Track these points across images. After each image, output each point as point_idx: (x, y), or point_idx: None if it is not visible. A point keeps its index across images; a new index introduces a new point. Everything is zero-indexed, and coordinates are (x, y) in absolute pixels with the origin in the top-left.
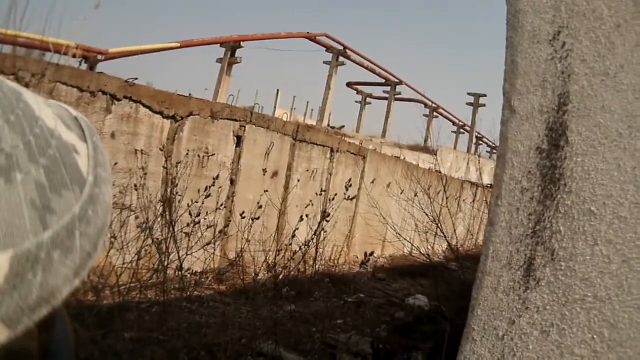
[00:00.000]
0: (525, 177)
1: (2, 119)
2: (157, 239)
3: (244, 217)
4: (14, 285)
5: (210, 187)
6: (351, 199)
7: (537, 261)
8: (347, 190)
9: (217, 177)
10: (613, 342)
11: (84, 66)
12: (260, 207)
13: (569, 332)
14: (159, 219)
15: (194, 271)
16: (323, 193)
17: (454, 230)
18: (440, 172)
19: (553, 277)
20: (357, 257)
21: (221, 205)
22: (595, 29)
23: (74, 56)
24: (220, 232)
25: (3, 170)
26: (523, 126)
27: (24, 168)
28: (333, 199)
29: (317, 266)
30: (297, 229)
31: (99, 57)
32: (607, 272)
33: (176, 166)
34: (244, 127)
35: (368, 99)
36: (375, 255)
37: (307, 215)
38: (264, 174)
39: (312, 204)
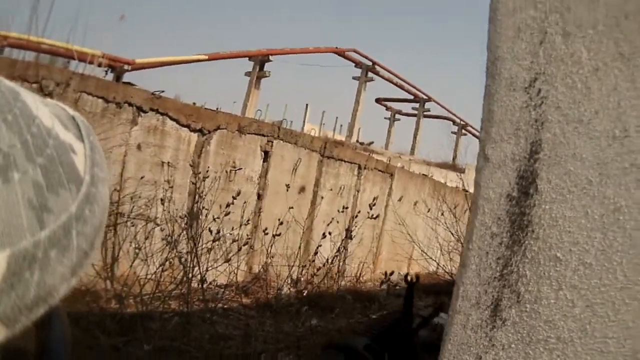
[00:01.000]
0: (495, 223)
1: (0, 119)
2: (181, 252)
3: (267, 234)
4: (11, 284)
5: (233, 200)
6: (375, 218)
7: (504, 302)
8: (370, 209)
9: (239, 193)
10: None
11: (109, 76)
12: (282, 223)
13: None
14: (183, 232)
15: (218, 284)
16: (347, 210)
17: None
18: (467, 191)
19: (518, 318)
20: (383, 275)
21: (247, 219)
22: (572, 74)
23: (99, 65)
24: (244, 245)
25: (0, 169)
26: (495, 174)
27: (21, 167)
28: (356, 216)
29: (341, 282)
30: (320, 245)
31: (126, 67)
32: (571, 316)
33: (203, 180)
34: (272, 142)
35: (397, 116)
36: (401, 273)
37: (329, 233)
38: (287, 190)
39: (337, 222)
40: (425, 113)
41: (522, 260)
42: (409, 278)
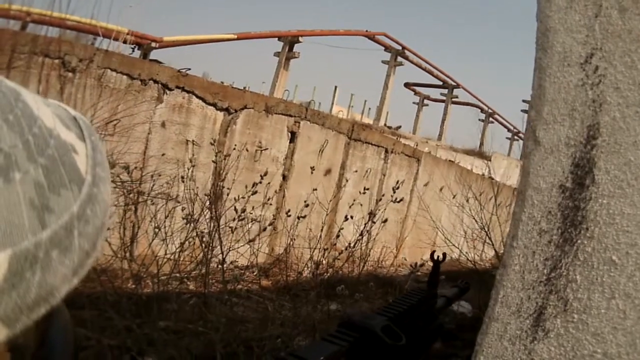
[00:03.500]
0: (545, 217)
1: (0, 119)
2: (202, 231)
3: (289, 216)
4: (12, 285)
5: (259, 183)
6: (399, 201)
7: (549, 311)
8: (394, 192)
9: (266, 173)
10: None
11: (136, 54)
12: (307, 205)
13: None
14: (205, 211)
15: (238, 265)
16: (372, 194)
17: (503, 238)
18: (492, 179)
19: (563, 329)
20: (406, 260)
21: (271, 201)
22: (631, 53)
23: (125, 42)
24: (269, 226)
25: (2, 169)
26: (547, 160)
27: (23, 167)
28: (380, 200)
29: (363, 267)
30: (342, 228)
31: (153, 44)
32: (621, 329)
33: (226, 158)
34: (299, 123)
35: (425, 101)
36: (424, 258)
37: (351, 217)
38: (311, 172)
39: (361, 205)
40: (453, 99)
41: (572, 263)
42: (435, 256)
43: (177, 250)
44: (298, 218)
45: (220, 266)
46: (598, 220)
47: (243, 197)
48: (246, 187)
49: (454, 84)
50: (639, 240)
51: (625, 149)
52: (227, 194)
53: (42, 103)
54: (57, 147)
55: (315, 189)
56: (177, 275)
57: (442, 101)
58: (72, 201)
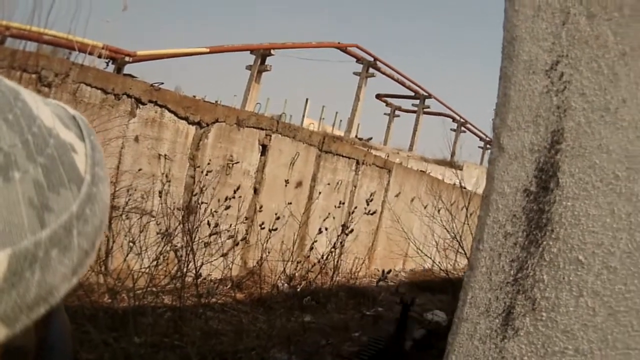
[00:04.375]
0: (509, 221)
1: (0, 118)
2: (177, 246)
3: (263, 228)
4: (12, 284)
5: (231, 198)
6: (372, 214)
7: (517, 310)
8: (367, 204)
9: (239, 187)
10: None
11: (110, 67)
12: (278, 218)
13: None
14: (179, 226)
15: (212, 278)
16: (343, 206)
17: None
18: (464, 188)
19: (533, 327)
20: (378, 271)
21: (243, 214)
22: (598, 59)
23: (99, 57)
24: (241, 240)
25: (1, 169)
26: (511, 166)
27: (22, 167)
28: (353, 212)
29: (336, 278)
30: (315, 241)
31: (127, 59)
32: (592, 325)
33: (204, 174)
34: (270, 136)
35: (397, 112)
36: (396, 269)
37: (326, 228)
38: (286, 185)
39: (334, 218)
40: (425, 110)
41: (539, 263)
42: (404, 300)
43: (152, 264)
44: (270, 231)
45: (195, 280)
46: (563, 222)
47: (216, 211)
48: (219, 200)
49: (426, 94)
50: (605, 240)
51: (590, 152)
52: (204, 209)
53: (41, 102)
54: (57, 146)
55: (290, 203)
56: (153, 289)
57: (414, 112)
58: (71, 200)
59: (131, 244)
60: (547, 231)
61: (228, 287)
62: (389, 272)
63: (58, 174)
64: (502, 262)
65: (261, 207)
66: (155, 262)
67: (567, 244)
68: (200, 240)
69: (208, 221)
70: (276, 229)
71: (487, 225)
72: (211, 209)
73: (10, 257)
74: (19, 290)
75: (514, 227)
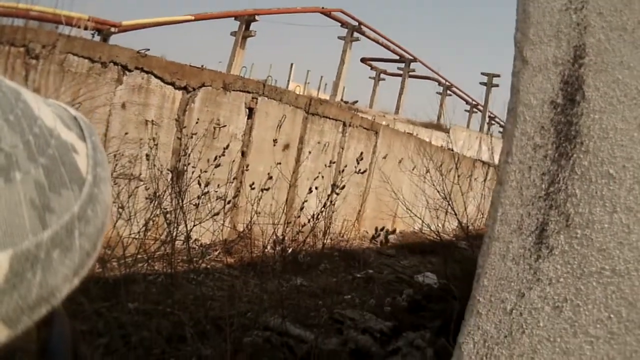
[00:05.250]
0: (538, 132)
1: (1, 119)
2: (166, 209)
3: (253, 189)
4: (13, 285)
5: (220, 157)
6: (362, 173)
7: (551, 227)
8: (357, 163)
9: (228, 147)
10: (631, 323)
11: (97, 39)
12: (271, 178)
13: (584, 309)
14: (168, 189)
15: (202, 243)
16: (334, 165)
17: (465, 208)
18: (452, 150)
19: (568, 245)
20: (368, 232)
21: (231, 177)
22: None
23: (86, 29)
24: (229, 203)
25: (2, 169)
26: (536, 78)
27: (24, 167)
28: (343, 171)
29: (326, 240)
30: (305, 201)
31: (112, 29)
32: (627, 243)
33: (190, 137)
34: (256, 99)
35: (382, 76)
36: (385, 230)
37: (316, 188)
38: (273, 145)
39: (323, 177)
40: (410, 73)
41: (570, 177)
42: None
43: (142, 230)
44: (262, 190)
45: (185, 244)
46: (592, 135)
47: (205, 171)
48: (208, 161)
49: (411, 57)
50: (634, 154)
51: (613, 68)
52: (192, 172)
53: (42, 103)
54: (58, 147)
55: (279, 163)
56: (143, 256)
57: (399, 75)
58: (72, 201)
59: (120, 210)
60: (576, 144)
61: (218, 251)
62: (382, 229)
63: (59, 174)
64: (533, 176)
65: (248, 166)
66: (144, 228)
67: (598, 157)
68: (190, 203)
69: (198, 181)
70: (268, 189)
71: (515, 138)
72: (200, 170)
73: (11, 258)
74: (20, 291)
75: (543, 139)
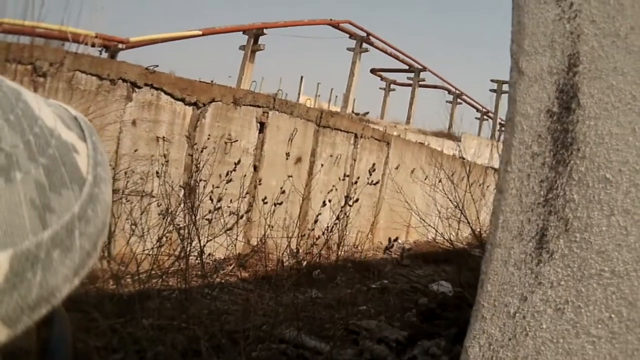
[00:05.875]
0: (535, 141)
1: (1, 119)
2: (179, 225)
3: (266, 203)
4: (13, 285)
5: (232, 171)
6: (375, 184)
7: (550, 232)
8: (370, 174)
9: (239, 162)
10: (632, 322)
11: (104, 55)
12: (283, 192)
13: (585, 310)
14: (181, 205)
15: (216, 258)
16: (347, 178)
17: (478, 216)
18: (463, 159)
19: (567, 249)
20: (382, 243)
21: (244, 191)
22: None
23: (93, 45)
24: (242, 217)
25: (3, 169)
26: (532, 88)
27: (24, 167)
28: (356, 182)
29: (340, 252)
30: (319, 214)
31: (120, 46)
32: (625, 245)
33: (201, 151)
34: (267, 113)
35: (392, 86)
36: (399, 241)
37: (329, 201)
38: (286, 160)
39: (336, 190)
40: (420, 83)
41: (568, 183)
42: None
43: (155, 246)
44: (274, 205)
45: (198, 259)
46: (588, 141)
47: (217, 187)
48: (220, 176)
49: (420, 67)
50: (630, 158)
51: (607, 74)
52: (204, 187)
53: (43, 103)
54: (58, 147)
55: (290, 176)
56: (157, 272)
57: (409, 85)
58: (73, 201)
59: (133, 226)
60: (573, 150)
61: (232, 266)
62: (396, 239)
63: (60, 174)
64: (532, 183)
65: (260, 180)
66: (158, 244)
67: (594, 162)
68: (203, 218)
69: (211, 196)
70: (281, 203)
71: (514, 147)
72: (212, 186)
73: (11, 257)
74: (20, 291)
75: (541, 147)
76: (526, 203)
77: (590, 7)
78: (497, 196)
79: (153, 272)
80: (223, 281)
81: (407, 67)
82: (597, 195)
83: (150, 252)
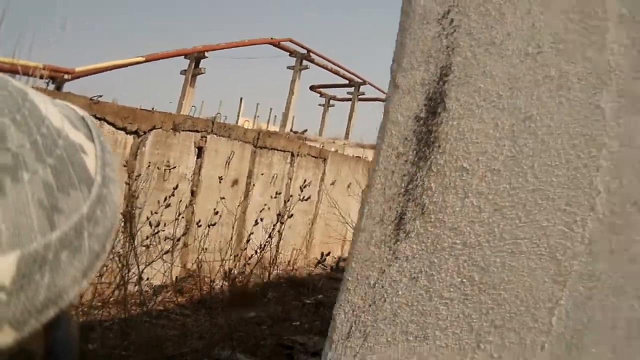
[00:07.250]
0: (402, 143)
1: (8, 119)
2: (119, 252)
3: (200, 226)
4: (21, 287)
5: (170, 197)
6: (306, 200)
7: (408, 216)
8: (302, 191)
9: (177, 187)
10: (485, 285)
11: (51, 87)
12: (217, 213)
13: (437, 278)
14: (120, 234)
15: (153, 285)
16: (279, 196)
17: None
18: None
19: (422, 228)
20: (317, 259)
21: (181, 216)
22: (486, 3)
23: (41, 77)
24: (178, 241)
25: (10, 169)
26: (404, 99)
27: (31, 168)
28: (288, 201)
29: (274, 270)
30: (252, 233)
31: (66, 76)
32: (478, 221)
33: (135, 180)
34: (205, 137)
35: (332, 102)
36: (334, 255)
37: (262, 219)
38: (219, 183)
39: (269, 208)
40: (360, 97)
41: (427, 175)
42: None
43: (96, 276)
44: (208, 226)
45: (137, 286)
46: (449, 138)
47: (156, 212)
48: (158, 202)
49: (360, 81)
50: (489, 148)
51: (475, 79)
52: (139, 215)
53: (49, 103)
54: (66, 147)
55: (223, 198)
56: (98, 302)
57: (349, 99)
58: (81, 202)
59: None
60: (434, 147)
61: (169, 292)
62: (328, 254)
63: (68, 175)
64: (395, 178)
65: (196, 205)
66: (98, 274)
67: (453, 155)
68: (141, 245)
69: (150, 222)
70: (214, 224)
71: (382, 150)
72: (151, 211)
73: (19, 259)
74: (28, 293)
75: (405, 148)
76: (389, 194)
77: (470, 21)
78: (366, 191)
79: (94, 302)
80: (161, 307)
81: (347, 82)
82: (453, 182)
83: (92, 282)
